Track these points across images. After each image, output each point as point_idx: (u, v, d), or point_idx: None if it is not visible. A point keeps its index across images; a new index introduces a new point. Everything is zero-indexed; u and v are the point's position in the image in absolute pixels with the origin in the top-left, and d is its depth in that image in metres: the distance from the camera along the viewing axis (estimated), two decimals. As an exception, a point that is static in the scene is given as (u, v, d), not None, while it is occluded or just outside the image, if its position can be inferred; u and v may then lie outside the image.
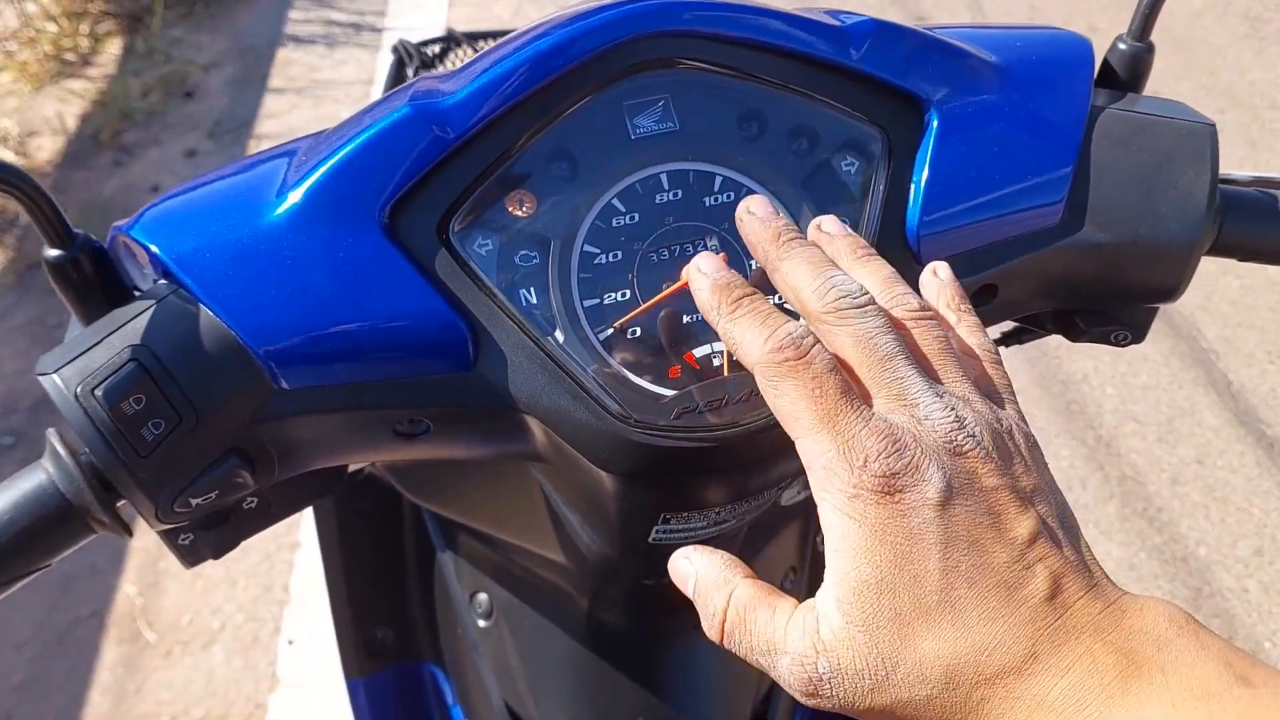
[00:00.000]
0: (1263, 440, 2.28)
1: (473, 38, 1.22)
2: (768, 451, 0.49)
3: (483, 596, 0.84)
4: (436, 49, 1.20)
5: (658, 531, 0.56)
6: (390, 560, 0.97)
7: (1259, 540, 2.09)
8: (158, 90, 3.13)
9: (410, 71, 1.15)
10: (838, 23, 0.52)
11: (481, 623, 0.84)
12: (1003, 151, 0.51)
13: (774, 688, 0.87)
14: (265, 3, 3.59)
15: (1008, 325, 0.65)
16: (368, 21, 3.48)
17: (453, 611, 0.89)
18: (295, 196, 0.46)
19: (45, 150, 2.93)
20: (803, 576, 0.92)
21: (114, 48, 3.33)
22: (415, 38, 1.19)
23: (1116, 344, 0.60)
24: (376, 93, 3.08)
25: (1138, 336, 0.60)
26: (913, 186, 0.51)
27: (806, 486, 0.84)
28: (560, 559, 0.72)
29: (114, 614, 1.88)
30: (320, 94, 3.15)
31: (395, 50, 1.19)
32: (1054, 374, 2.38)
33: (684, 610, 0.73)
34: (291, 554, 1.96)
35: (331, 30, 3.45)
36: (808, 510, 0.92)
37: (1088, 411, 2.32)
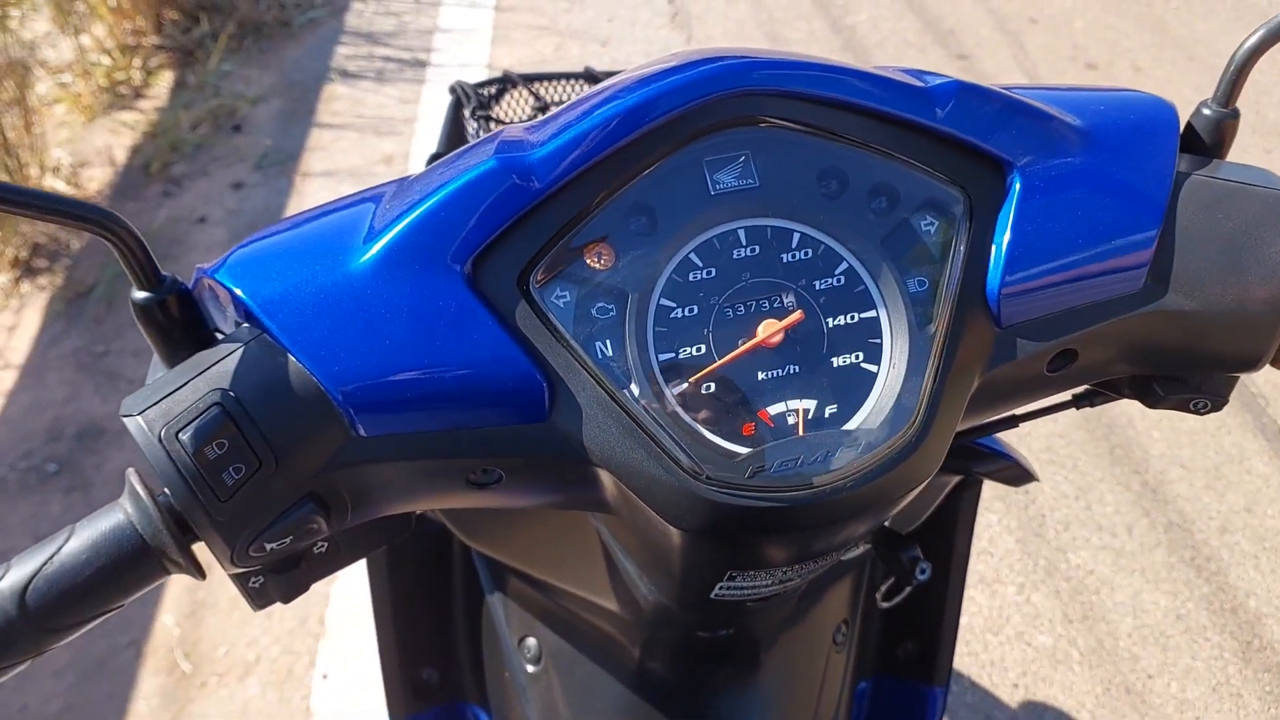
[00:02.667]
0: (1315, 489, 2.23)
1: (529, 79, 1.23)
2: (844, 513, 0.48)
3: (531, 641, 0.84)
4: (493, 90, 1.22)
5: (721, 588, 0.55)
6: (439, 601, 0.97)
7: (1312, 593, 2.04)
8: (207, 123, 3.20)
9: (467, 112, 1.17)
10: (921, 83, 0.52)
11: (530, 668, 0.83)
12: (1086, 215, 0.51)
13: None
14: (313, 39, 3.66)
15: (1081, 388, 0.64)
16: (414, 57, 3.54)
17: (500, 654, 0.89)
18: (381, 244, 0.47)
19: (96, 181, 2.99)
20: (853, 629, 0.91)
21: (165, 81, 3.40)
22: (461, 74, 1.21)
23: (1196, 412, 0.58)
24: (421, 129, 3.12)
25: (1217, 405, 0.58)
26: (994, 248, 0.50)
27: (867, 542, 0.84)
28: (614, 607, 0.72)
29: (151, 644, 1.89)
30: (366, 129, 3.20)
31: (453, 90, 1.20)
32: (1099, 416, 2.35)
33: (736, 661, 0.73)
34: (327, 586, 1.97)
35: (378, 66, 3.50)
36: (862, 563, 0.91)
37: (1133, 456, 2.27)
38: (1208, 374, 0.56)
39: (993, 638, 1.93)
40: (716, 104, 0.49)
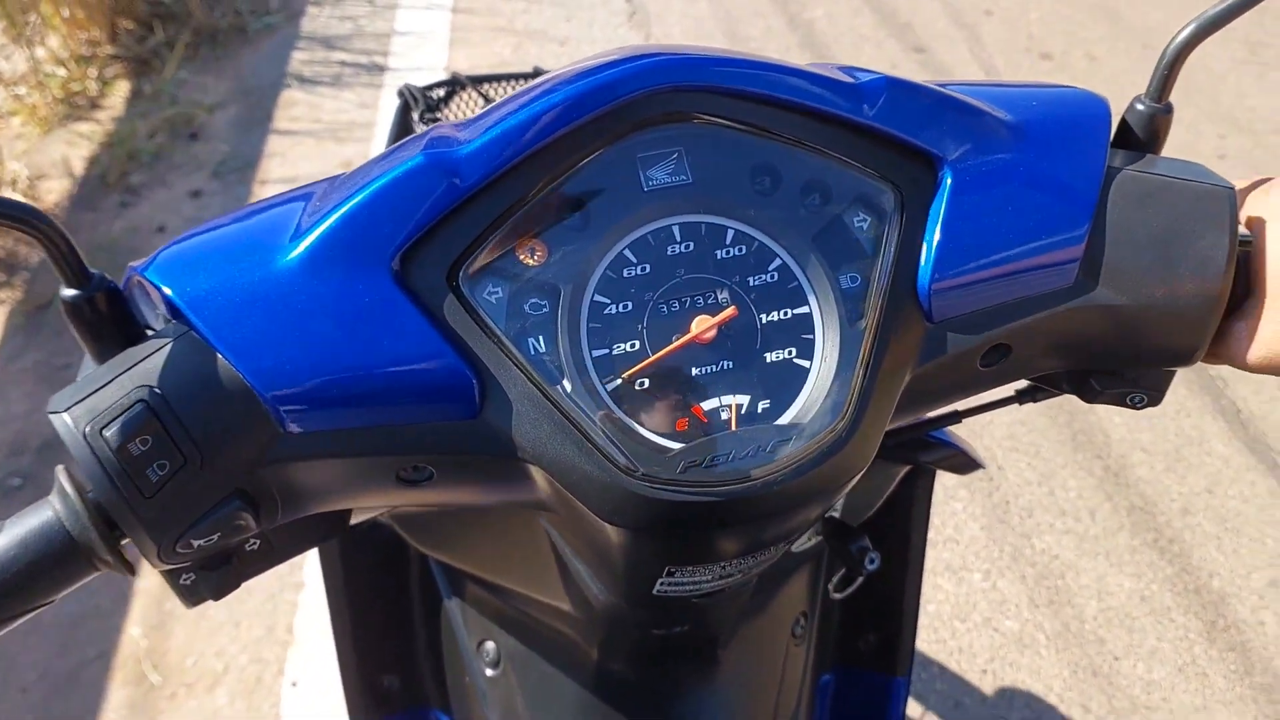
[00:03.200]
0: (1274, 469, 2.26)
1: (477, 81, 1.23)
2: (777, 507, 0.48)
3: (490, 645, 0.84)
4: (441, 92, 1.21)
5: (661, 584, 0.55)
6: (396, 607, 0.97)
7: (1273, 571, 2.07)
8: (164, 132, 3.16)
9: (416, 115, 1.16)
10: (851, 79, 0.52)
11: (489, 671, 0.83)
12: (1016, 210, 0.51)
13: None
14: (270, 44, 3.63)
15: (1022, 383, 0.64)
16: (371, 61, 3.52)
17: (460, 659, 0.89)
18: (308, 242, 0.47)
19: (54, 193, 2.95)
20: (813, 621, 0.92)
21: (121, 91, 3.37)
22: (418, 77, 1.21)
23: (1133, 406, 0.59)
24: (380, 133, 3.11)
25: (1154, 400, 0.59)
26: (925, 244, 0.51)
27: (817, 534, 0.84)
28: (569, 608, 0.72)
29: (119, 656, 1.87)
30: (324, 134, 3.18)
31: (400, 94, 1.20)
32: (1060, 404, 2.37)
33: (696, 658, 0.74)
34: (295, 594, 1.95)
35: (335, 70, 3.48)
36: (818, 555, 0.91)
37: (1095, 441, 2.30)
38: (1143, 369, 0.57)
39: (960, 624, 1.95)
40: (648, 100, 0.49)
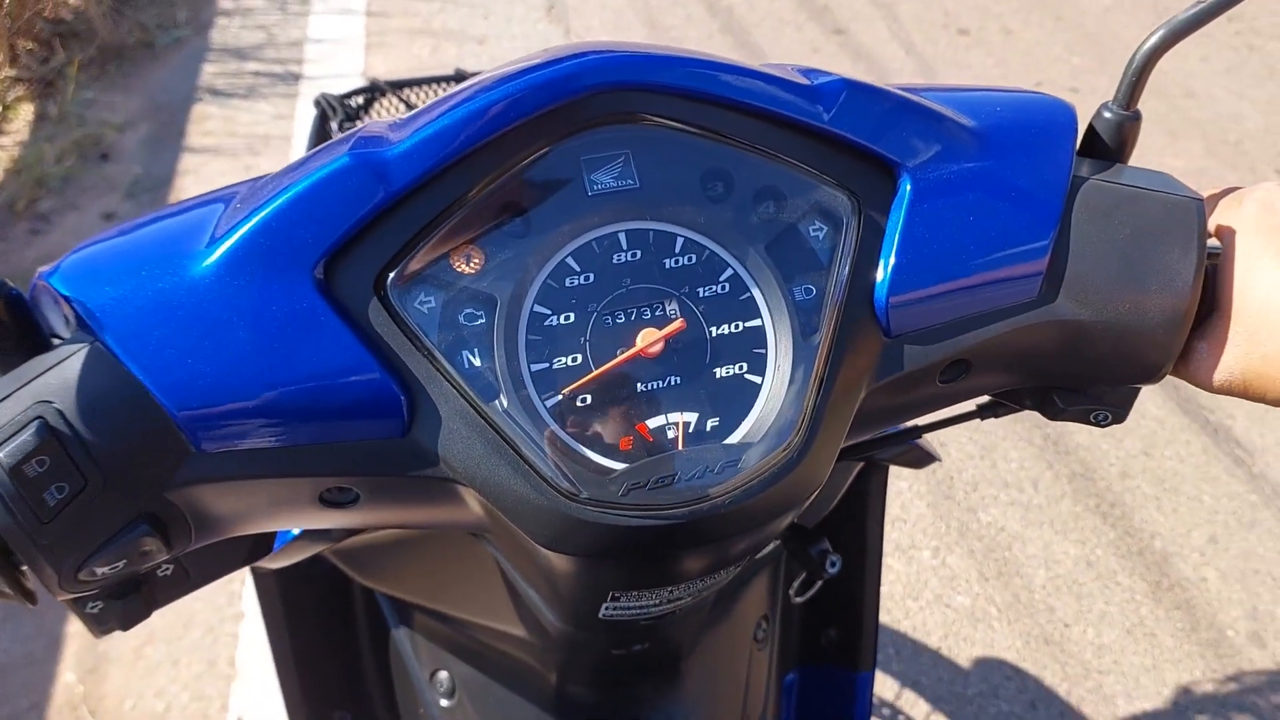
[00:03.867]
0: (1207, 427, 2.31)
1: (397, 86, 1.19)
2: (726, 531, 0.46)
3: (444, 674, 0.80)
4: (360, 100, 1.17)
5: (607, 609, 0.53)
6: (342, 640, 0.93)
7: (1212, 528, 2.11)
8: (72, 154, 3.05)
9: (334, 124, 1.12)
10: (808, 81, 0.49)
11: (444, 702, 0.80)
12: (978, 221, 0.49)
13: None
14: (179, 58, 3.53)
15: (984, 399, 0.63)
16: (286, 70, 3.43)
17: (413, 691, 0.85)
18: (224, 248, 0.43)
19: (-44, 224, 2.83)
20: (774, 624, 0.90)
21: (25, 114, 3.24)
22: (334, 85, 1.17)
23: (1097, 424, 0.57)
24: (298, 145, 3.04)
25: (1118, 417, 0.57)
26: (883, 256, 0.48)
27: (775, 539, 0.82)
28: (522, 633, 0.69)
29: (54, 704, 1.80)
30: (239, 148, 3.09)
31: (317, 103, 1.15)
32: (998, 376, 2.40)
33: (658, 673, 0.71)
34: (235, 625, 1.89)
35: (248, 82, 3.39)
36: (777, 559, 0.89)
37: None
38: (1107, 385, 0.55)
39: (913, 603, 1.96)
40: (592, 99, 0.46)
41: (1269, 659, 1.89)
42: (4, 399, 0.41)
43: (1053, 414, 0.57)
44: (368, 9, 3.74)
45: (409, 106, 1.19)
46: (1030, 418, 2.30)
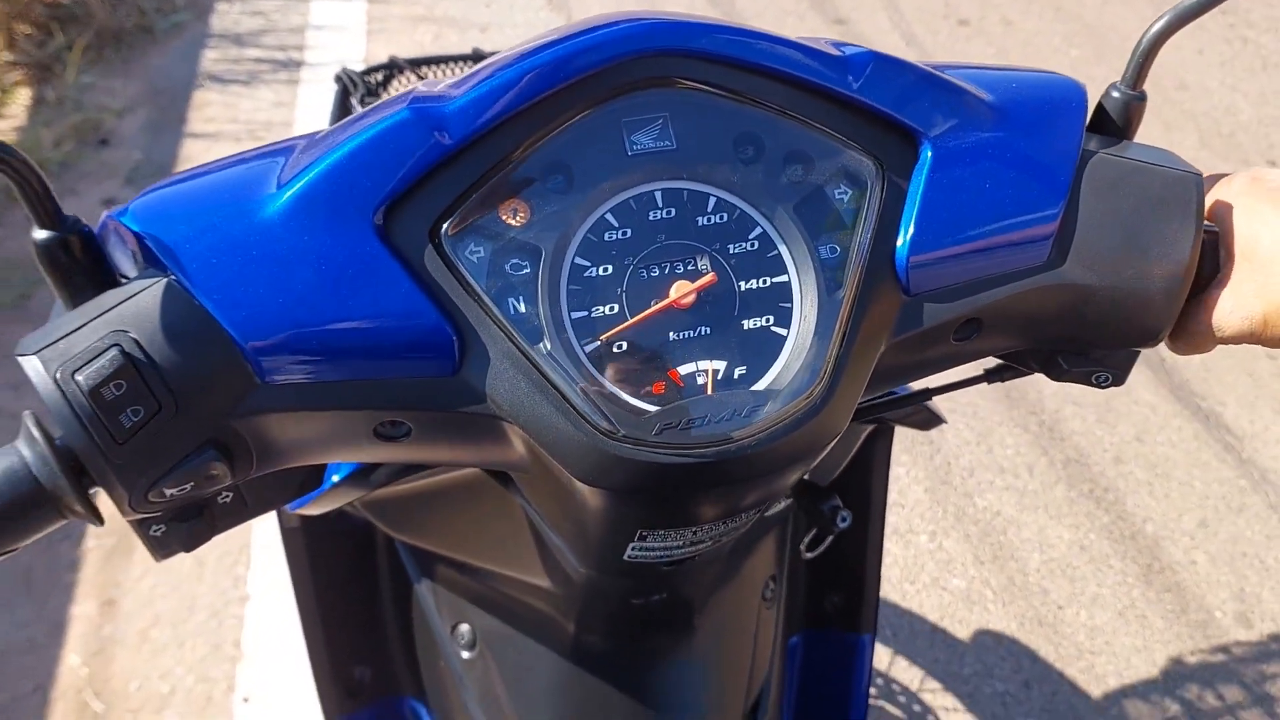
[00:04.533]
0: (1198, 413, 2.33)
1: (415, 64, 1.22)
2: (752, 471, 0.49)
3: (464, 627, 0.83)
4: (380, 76, 1.20)
5: (633, 549, 0.56)
6: (365, 596, 0.96)
7: (1202, 512, 2.14)
8: (71, 139, 3.06)
9: (355, 101, 1.15)
10: (838, 52, 0.52)
11: (465, 654, 0.83)
12: (994, 188, 0.52)
13: (762, 694, 0.88)
14: (179, 43, 3.53)
15: (991, 362, 0.66)
16: (287, 57, 3.44)
17: (434, 644, 0.89)
18: (291, 192, 0.46)
19: (-44, 209, 2.84)
20: (781, 585, 0.93)
21: (23, 99, 3.24)
22: (340, 69, 1.19)
23: (1097, 385, 0.60)
24: (300, 130, 3.04)
25: (1118, 379, 0.60)
26: (904, 218, 0.51)
27: (787, 496, 0.85)
28: (545, 583, 0.72)
29: (58, 687, 1.81)
30: (241, 134, 3.10)
31: (338, 79, 1.19)
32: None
33: (672, 626, 0.74)
34: (241, 608, 1.91)
35: (249, 68, 3.39)
36: (785, 519, 0.92)
37: (1028, 399, 2.35)
38: (1110, 348, 0.58)
39: (909, 586, 1.98)
40: (634, 63, 0.49)
41: (1255, 638, 1.92)
42: (81, 327, 0.43)
43: (1057, 375, 0.60)
44: (367, -5, 3.74)
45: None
46: (1025, 403, 2.33)
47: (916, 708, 1.76)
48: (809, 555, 0.92)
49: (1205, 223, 0.54)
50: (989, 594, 1.98)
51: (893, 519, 2.10)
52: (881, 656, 1.86)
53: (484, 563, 0.78)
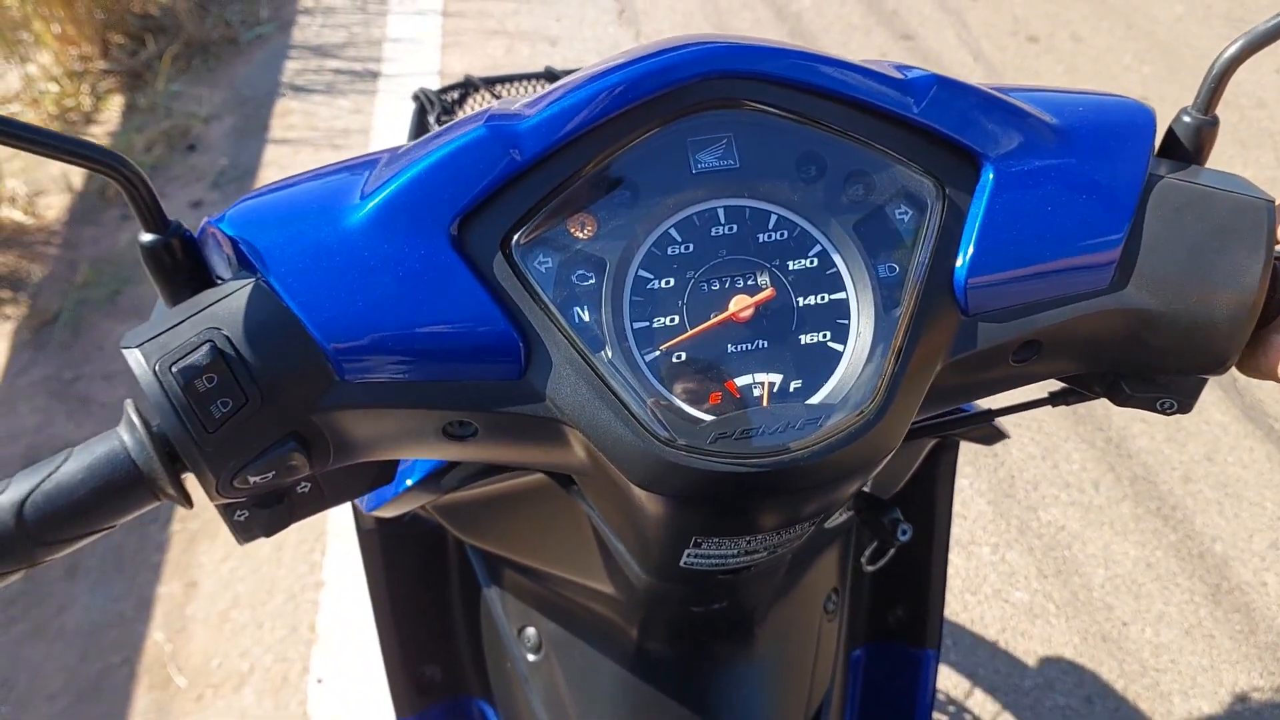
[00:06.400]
0: (1271, 435, 2.30)
1: (490, 83, 1.26)
2: (804, 483, 0.50)
3: (531, 631, 0.86)
4: (456, 95, 1.24)
5: (689, 555, 0.58)
6: (436, 599, 0.99)
7: (1274, 534, 2.11)
8: (160, 144, 3.18)
9: (432, 119, 1.19)
10: (901, 75, 0.53)
11: (531, 657, 0.86)
12: (1056, 211, 0.52)
13: (823, 707, 0.89)
14: (262, 54, 3.65)
15: (1055, 385, 0.66)
16: (365, 68, 3.54)
17: (501, 646, 0.91)
18: (374, 203, 0.49)
19: (54, 209, 2.97)
20: (844, 596, 0.94)
21: (115, 105, 3.38)
22: (412, 82, 1.23)
23: (1163, 412, 0.60)
24: (377, 139, 3.13)
25: (1184, 406, 0.59)
26: (964, 239, 0.52)
27: (848, 509, 0.86)
28: (609, 590, 0.74)
29: (144, 661, 1.89)
30: (320, 141, 3.20)
31: (416, 98, 1.23)
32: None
33: (733, 635, 0.76)
34: (316, 593, 1.98)
35: (329, 78, 3.50)
36: (848, 531, 0.93)
37: (1095, 415, 2.34)
38: (1174, 374, 0.57)
39: (971, 597, 1.98)
40: (701, 85, 0.51)
41: (1330, 662, 1.89)
42: (179, 324, 0.47)
43: (1121, 400, 0.60)
44: (444, 9, 3.84)
45: (500, 101, 1.24)
46: (1092, 420, 2.31)
47: None
48: (870, 568, 0.93)
49: (1278, 249, 0.54)
50: (1052, 607, 1.97)
51: (954, 530, 2.10)
52: (940, 668, 1.86)
53: (549, 568, 0.81)
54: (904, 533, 0.86)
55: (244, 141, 3.21)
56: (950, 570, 2.02)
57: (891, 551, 0.91)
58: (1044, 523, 2.12)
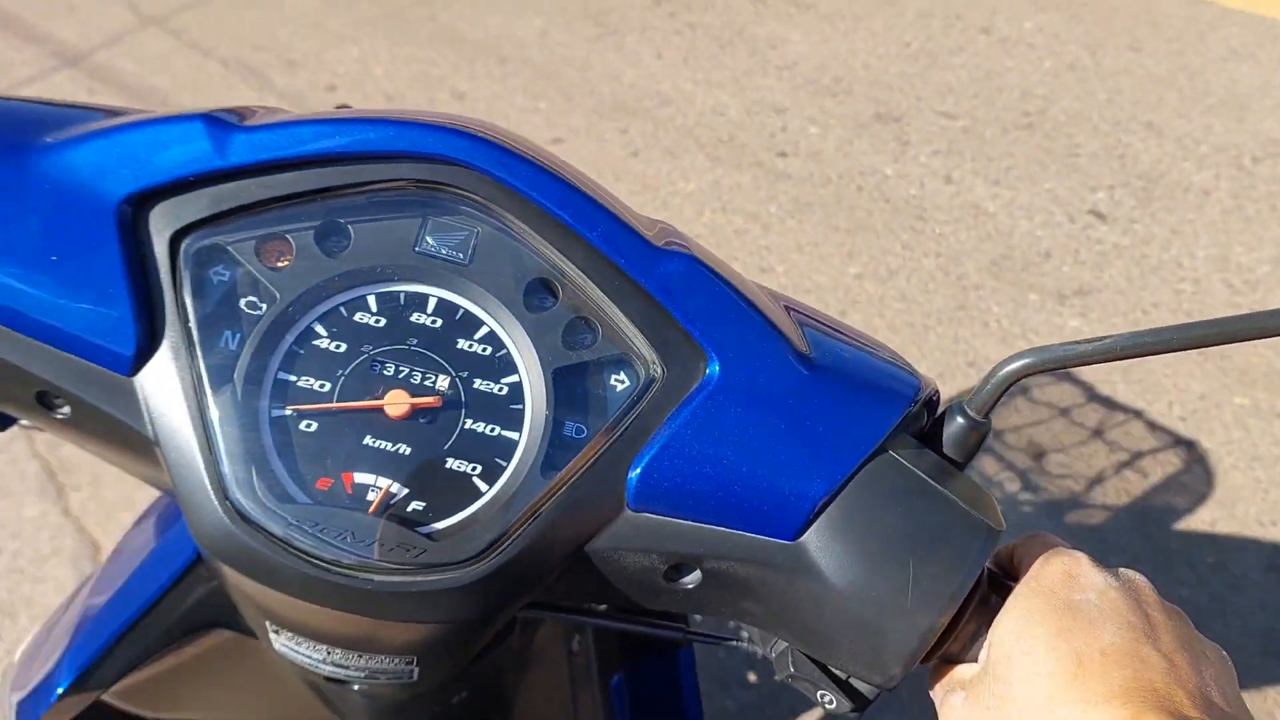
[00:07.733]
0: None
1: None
2: (361, 607, 0.46)
3: None
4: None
5: (276, 639, 0.54)
6: None
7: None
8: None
9: None
10: (658, 244, 0.49)
11: None
12: (765, 441, 0.47)
13: None
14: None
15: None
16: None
17: None
18: (61, 150, 0.48)
19: None
20: (587, 634, 0.89)
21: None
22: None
23: (822, 704, 0.53)
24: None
25: (848, 707, 0.52)
26: (660, 430, 0.48)
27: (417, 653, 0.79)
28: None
29: None
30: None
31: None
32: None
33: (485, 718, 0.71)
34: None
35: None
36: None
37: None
38: (839, 667, 0.51)
39: None
40: (457, 171, 0.48)
41: None
42: None
43: (781, 674, 0.53)
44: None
45: None
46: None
47: None
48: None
49: (982, 584, 0.48)
50: None
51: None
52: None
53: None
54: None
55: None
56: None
57: None
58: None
